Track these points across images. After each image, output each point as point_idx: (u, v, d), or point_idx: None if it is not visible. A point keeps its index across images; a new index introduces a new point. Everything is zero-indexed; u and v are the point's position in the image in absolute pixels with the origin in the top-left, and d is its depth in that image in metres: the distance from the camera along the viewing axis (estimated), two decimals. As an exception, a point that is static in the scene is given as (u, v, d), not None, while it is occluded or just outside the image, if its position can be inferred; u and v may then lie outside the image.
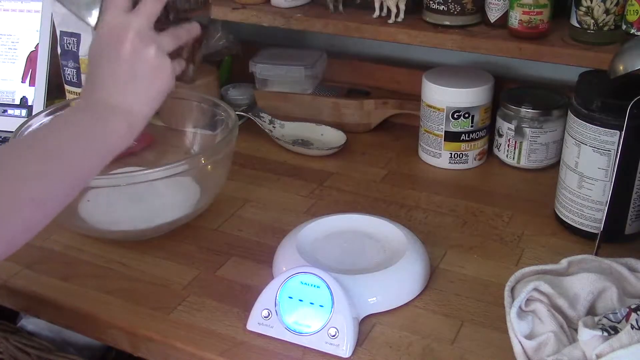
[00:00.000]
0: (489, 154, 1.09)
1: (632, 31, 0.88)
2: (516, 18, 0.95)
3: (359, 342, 0.73)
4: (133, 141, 0.67)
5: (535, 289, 0.71)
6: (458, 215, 0.95)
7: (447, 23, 1.01)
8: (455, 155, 1.06)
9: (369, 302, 0.77)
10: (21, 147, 0.62)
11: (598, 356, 0.63)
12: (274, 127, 1.16)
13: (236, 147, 0.93)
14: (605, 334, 0.64)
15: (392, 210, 0.96)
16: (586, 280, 0.72)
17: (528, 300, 0.71)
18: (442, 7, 0.99)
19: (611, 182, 0.81)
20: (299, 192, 1.01)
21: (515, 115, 1.04)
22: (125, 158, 1.00)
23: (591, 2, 0.90)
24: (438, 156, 1.07)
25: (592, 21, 0.91)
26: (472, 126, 1.05)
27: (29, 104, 1.15)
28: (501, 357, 0.70)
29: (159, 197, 0.90)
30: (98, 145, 0.64)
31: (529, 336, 0.68)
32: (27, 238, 0.58)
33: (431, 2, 1.00)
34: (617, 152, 0.80)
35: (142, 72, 0.67)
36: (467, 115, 1.04)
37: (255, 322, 0.74)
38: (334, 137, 1.14)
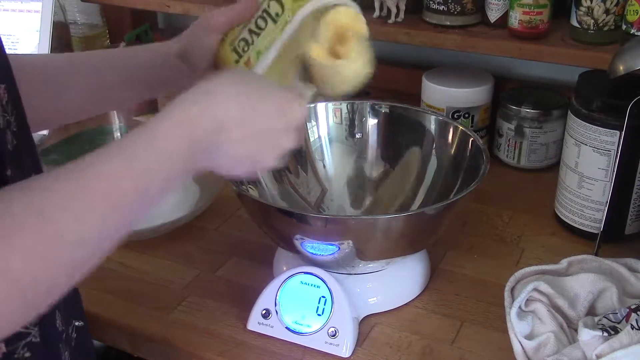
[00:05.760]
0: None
1: (632, 31, 0.88)
2: (516, 18, 0.95)
3: (359, 342, 0.73)
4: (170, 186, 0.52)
5: (535, 289, 0.71)
6: (458, 216, 0.94)
7: (447, 23, 1.01)
8: (455, 155, 1.06)
9: (369, 302, 0.77)
10: (70, 170, 0.47)
11: (598, 356, 0.63)
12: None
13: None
14: (605, 334, 0.64)
15: (392, 210, 0.96)
16: (586, 281, 0.72)
17: (528, 301, 0.71)
18: (442, 7, 0.99)
19: (611, 182, 0.81)
20: (299, 192, 1.01)
21: (515, 115, 1.04)
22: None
23: (591, 2, 0.90)
24: (438, 156, 1.07)
25: (592, 21, 0.91)
26: (472, 126, 1.05)
27: (29, 104, 1.15)
28: (501, 357, 0.70)
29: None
30: (139, 164, 0.48)
31: (529, 336, 0.68)
32: (47, 291, 0.45)
33: (431, 2, 1.00)
34: (617, 152, 0.80)
35: (265, 147, 0.55)
36: (467, 115, 1.04)
37: (256, 321, 0.74)
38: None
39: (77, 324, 0.61)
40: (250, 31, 0.66)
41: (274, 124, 0.56)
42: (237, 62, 0.66)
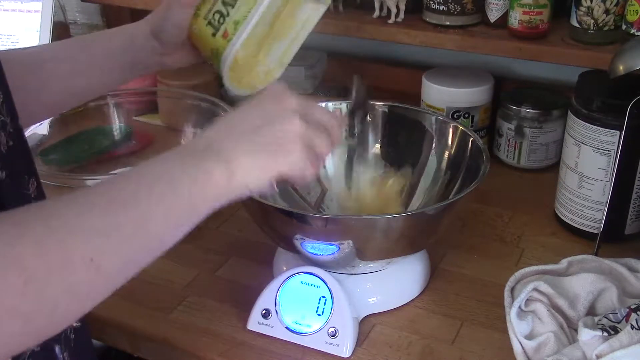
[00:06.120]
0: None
1: (632, 31, 0.88)
2: (516, 18, 0.95)
3: (359, 342, 0.73)
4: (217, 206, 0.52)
5: (535, 289, 0.71)
6: (458, 216, 0.94)
7: (447, 23, 1.01)
8: (455, 155, 1.06)
9: (369, 302, 0.77)
10: (86, 196, 0.46)
11: (598, 356, 0.63)
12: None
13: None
14: (605, 334, 0.64)
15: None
16: (586, 281, 0.72)
17: (528, 301, 0.71)
18: (442, 7, 0.99)
19: (611, 182, 0.81)
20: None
21: (515, 115, 1.04)
22: (126, 158, 1.00)
23: (591, 2, 0.90)
24: (438, 156, 1.07)
25: (592, 21, 0.91)
26: (472, 126, 1.05)
27: (29, 104, 1.15)
28: (501, 357, 0.70)
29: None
30: (183, 195, 0.49)
31: (529, 336, 0.68)
32: (72, 309, 0.44)
33: (431, 2, 1.00)
34: (617, 152, 0.80)
35: (270, 134, 0.53)
36: (467, 115, 1.04)
37: (256, 321, 0.74)
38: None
39: (74, 324, 0.61)
40: (224, 2, 0.64)
41: (270, 111, 0.55)
42: (213, 35, 0.65)
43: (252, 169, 0.52)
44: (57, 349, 0.57)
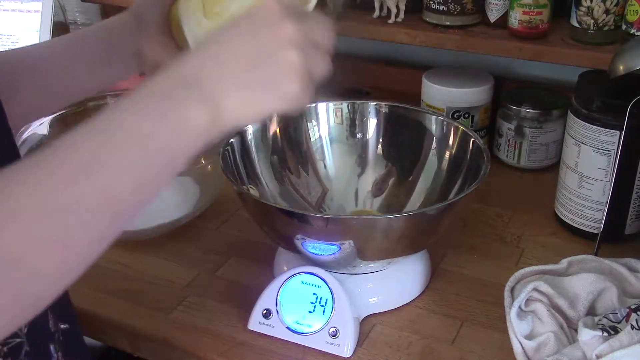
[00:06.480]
0: (489, 154, 1.09)
1: (632, 31, 0.88)
2: (516, 18, 0.95)
3: (359, 342, 0.73)
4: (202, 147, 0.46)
5: (535, 289, 0.71)
6: (458, 216, 0.94)
7: (447, 23, 1.01)
8: (455, 155, 1.06)
9: (369, 302, 0.77)
10: (44, 164, 0.41)
11: (598, 356, 0.63)
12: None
13: (236, 147, 0.93)
14: (605, 334, 0.64)
15: (392, 210, 0.96)
16: (586, 281, 0.72)
17: (528, 301, 0.71)
18: (442, 7, 1.00)
19: (611, 182, 0.81)
20: (299, 192, 1.01)
21: (515, 115, 1.04)
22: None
23: (591, 2, 0.90)
24: (438, 156, 1.07)
25: (592, 21, 0.91)
26: (472, 126, 1.05)
27: (29, 103, 1.15)
28: (501, 357, 0.70)
29: (158, 197, 0.90)
30: (159, 150, 0.43)
31: (529, 336, 0.68)
32: (41, 294, 0.42)
33: (431, 2, 1.01)
34: (617, 152, 0.80)
35: (267, 70, 0.47)
36: (467, 115, 1.04)
37: (256, 321, 0.74)
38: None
39: (62, 326, 0.60)
40: None
41: (264, 43, 0.47)
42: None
43: (242, 107, 0.47)
44: (51, 347, 0.56)
